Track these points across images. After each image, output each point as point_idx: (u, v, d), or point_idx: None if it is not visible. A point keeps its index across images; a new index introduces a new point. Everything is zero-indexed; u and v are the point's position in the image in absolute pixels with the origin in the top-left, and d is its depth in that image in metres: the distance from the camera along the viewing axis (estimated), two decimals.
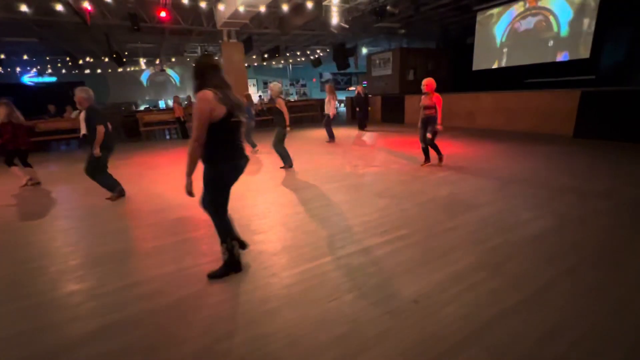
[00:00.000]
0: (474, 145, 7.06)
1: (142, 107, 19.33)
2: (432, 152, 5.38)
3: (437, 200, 3.84)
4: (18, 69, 17.57)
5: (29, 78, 18.11)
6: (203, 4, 8.34)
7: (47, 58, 15.80)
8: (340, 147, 7.64)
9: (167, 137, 11.52)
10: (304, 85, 25.25)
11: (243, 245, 2.52)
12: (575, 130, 7.27)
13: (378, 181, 4.75)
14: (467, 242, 2.76)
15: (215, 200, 2.24)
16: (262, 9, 8.00)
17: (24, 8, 8.10)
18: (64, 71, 18.46)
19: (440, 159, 5.37)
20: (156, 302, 2.13)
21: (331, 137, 8.23)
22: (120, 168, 5.93)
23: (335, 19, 9.19)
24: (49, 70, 18.42)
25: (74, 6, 7.39)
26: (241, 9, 7.75)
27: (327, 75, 25.81)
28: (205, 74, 2.03)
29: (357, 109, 9.51)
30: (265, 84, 24.44)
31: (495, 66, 10.64)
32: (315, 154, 7.06)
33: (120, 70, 18.91)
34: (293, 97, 24.01)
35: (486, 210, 3.43)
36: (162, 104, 20.57)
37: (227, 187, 2.24)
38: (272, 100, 6.46)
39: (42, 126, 9.11)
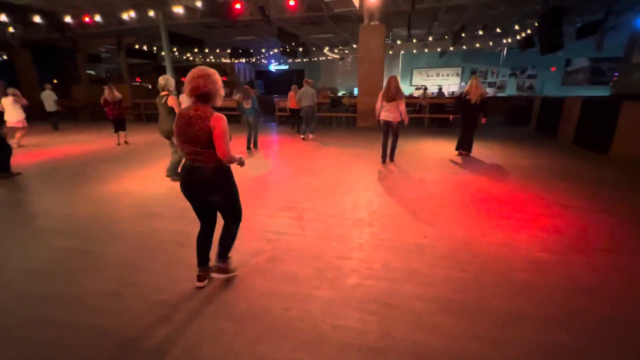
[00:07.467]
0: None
1: (340, 93, 20.99)
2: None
3: None
4: (272, 60, 23.59)
5: (273, 66, 23.89)
6: None
7: (276, 50, 20.02)
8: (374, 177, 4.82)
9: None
10: (532, 76, 18.20)
11: None
12: None
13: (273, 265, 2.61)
14: None
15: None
16: None
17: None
18: (298, 60, 22.87)
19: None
20: None
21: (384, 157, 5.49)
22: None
23: None
24: (289, 60, 23.47)
25: (211, 10, 8.63)
26: None
27: (580, 62, 17.27)
28: None
29: (451, 118, 5.52)
30: (474, 72, 19.68)
31: None
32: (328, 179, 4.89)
33: (327, 58, 21.13)
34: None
35: None
36: (355, 91, 21.42)
37: None
38: None
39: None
